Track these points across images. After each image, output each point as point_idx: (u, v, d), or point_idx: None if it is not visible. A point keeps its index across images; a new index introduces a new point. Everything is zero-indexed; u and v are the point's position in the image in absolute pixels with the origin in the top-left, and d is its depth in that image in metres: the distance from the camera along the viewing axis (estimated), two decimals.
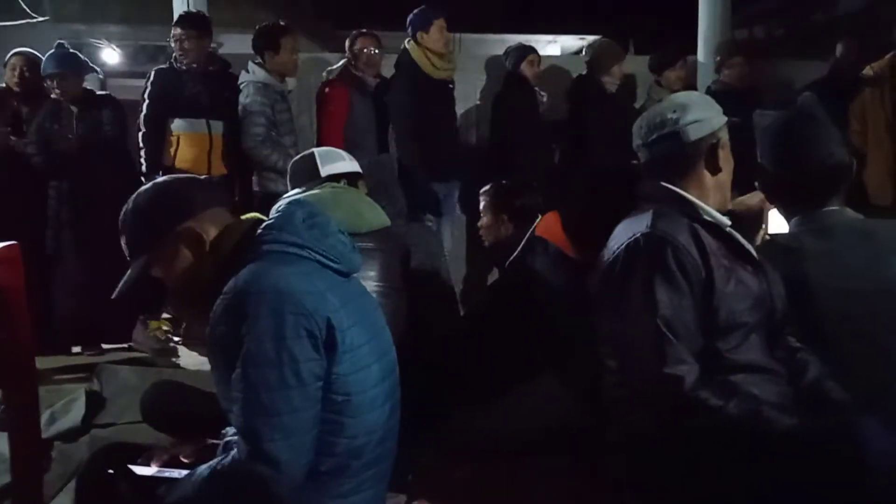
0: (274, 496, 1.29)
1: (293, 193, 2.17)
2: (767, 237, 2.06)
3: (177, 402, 1.97)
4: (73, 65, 3.66)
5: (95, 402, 2.74)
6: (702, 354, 1.52)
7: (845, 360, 1.65)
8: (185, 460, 1.57)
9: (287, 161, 2.90)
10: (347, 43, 3.92)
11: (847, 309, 1.66)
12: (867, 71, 3.70)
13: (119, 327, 3.61)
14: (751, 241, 1.72)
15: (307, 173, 2.44)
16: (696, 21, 4.55)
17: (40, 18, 4.86)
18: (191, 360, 3.20)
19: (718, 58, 4.19)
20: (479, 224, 2.80)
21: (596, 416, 1.71)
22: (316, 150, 2.58)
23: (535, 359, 2.14)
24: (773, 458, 1.41)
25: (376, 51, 3.86)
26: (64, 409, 2.72)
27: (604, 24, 6.36)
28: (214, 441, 1.54)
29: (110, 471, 1.52)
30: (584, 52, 4.43)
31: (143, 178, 3.43)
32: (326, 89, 3.85)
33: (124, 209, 1.48)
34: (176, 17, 3.95)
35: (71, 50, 3.73)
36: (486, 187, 2.78)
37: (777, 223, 2.01)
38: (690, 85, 4.19)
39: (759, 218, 2.11)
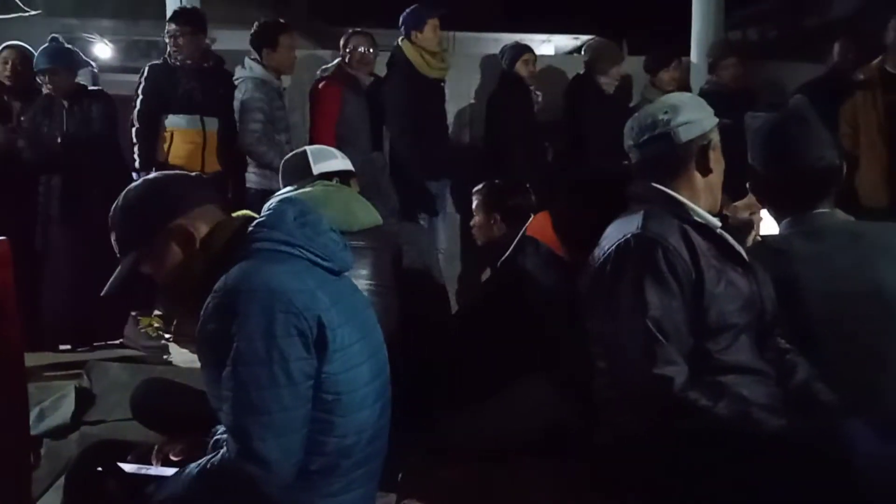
0: (263, 495, 1.29)
1: (285, 191, 2.16)
2: (759, 238, 2.07)
3: (167, 399, 1.96)
4: (66, 60, 3.64)
5: (85, 399, 2.72)
6: (691, 355, 1.53)
7: (834, 361, 1.66)
8: (175, 458, 1.57)
9: (282, 158, 2.90)
10: (342, 41, 3.92)
11: (836, 311, 1.67)
12: (858, 74, 3.72)
13: (110, 324, 3.60)
14: (741, 242, 1.73)
15: (299, 171, 2.44)
16: (689, 22, 4.56)
17: (33, 12, 4.83)
18: (182, 357, 3.18)
19: (710, 58, 4.20)
20: (471, 223, 2.80)
21: (586, 418, 1.72)
22: (308, 148, 2.58)
23: (525, 359, 2.14)
24: (761, 460, 1.41)
25: (371, 50, 3.86)
26: (53, 405, 2.71)
27: (598, 24, 6.37)
28: (205, 439, 1.54)
29: (99, 468, 1.51)
30: (582, 53, 4.43)
31: (138, 174, 3.42)
32: (319, 86, 3.85)
33: (114, 205, 1.47)
34: (169, 12, 3.93)
35: (65, 45, 3.71)
36: (479, 186, 2.78)
37: (769, 225, 2.02)
38: (684, 86, 4.20)
39: (749, 224, 2.13)
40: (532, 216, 2.64)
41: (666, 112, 1.65)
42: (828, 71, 4.01)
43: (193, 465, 1.38)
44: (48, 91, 3.62)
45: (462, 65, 4.47)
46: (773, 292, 1.67)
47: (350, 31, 3.93)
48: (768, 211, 1.93)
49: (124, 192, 1.48)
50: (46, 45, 3.63)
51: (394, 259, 2.27)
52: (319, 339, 1.31)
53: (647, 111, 1.69)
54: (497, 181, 2.79)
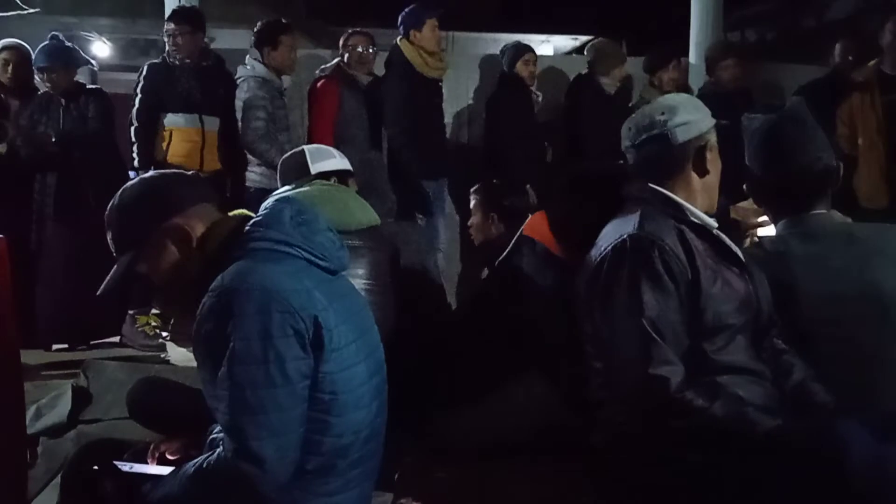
0: (259, 495, 1.29)
1: (283, 190, 2.16)
2: (756, 239, 2.07)
3: (163, 398, 1.96)
4: (64, 59, 3.64)
5: (82, 398, 2.72)
6: (688, 356, 1.53)
7: (830, 362, 1.66)
8: (171, 457, 1.57)
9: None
10: (341, 41, 3.92)
11: (832, 312, 1.67)
12: (855, 75, 3.72)
13: (108, 323, 3.60)
14: (738, 243, 1.73)
15: (297, 170, 2.44)
16: (688, 23, 4.57)
17: (31, 11, 4.83)
18: (179, 356, 3.18)
19: (708, 57, 4.19)
20: (468, 223, 2.80)
21: (582, 417, 1.72)
22: (306, 147, 2.58)
23: (522, 359, 2.14)
24: (757, 460, 1.42)
25: (370, 49, 3.86)
26: (50, 404, 2.71)
27: (597, 25, 6.38)
28: (201, 438, 1.54)
29: (95, 467, 1.51)
30: (585, 53, 4.43)
31: (136, 173, 3.42)
32: (318, 86, 3.85)
33: (110, 205, 1.47)
34: (168, 11, 3.93)
35: (65, 43, 3.70)
36: (476, 186, 2.78)
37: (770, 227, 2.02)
38: (683, 86, 4.20)
39: (760, 226, 2.13)
40: (529, 216, 2.64)
41: (663, 113, 1.65)
42: (828, 72, 4.01)
43: (190, 464, 1.38)
44: (46, 89, 3.62)
45: (460, 65, 4.47)
46: (769, 293, 1.67)
47: (349, 30, 3.93)
48: (765, 212, 1.93)
49: (120, 191, 1.47)
50: (46, 42, 3.63)
51: (391, 259, 2.27)
52: (316, 338, 1.31)
53: (644, 112, 1.69)
54: (494, 181, 2.79)
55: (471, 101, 4.61)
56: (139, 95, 3.64)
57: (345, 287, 1.50)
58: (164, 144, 3.61)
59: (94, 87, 3.87)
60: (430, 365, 2.18)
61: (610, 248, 1.58)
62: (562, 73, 4.57)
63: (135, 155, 3.60)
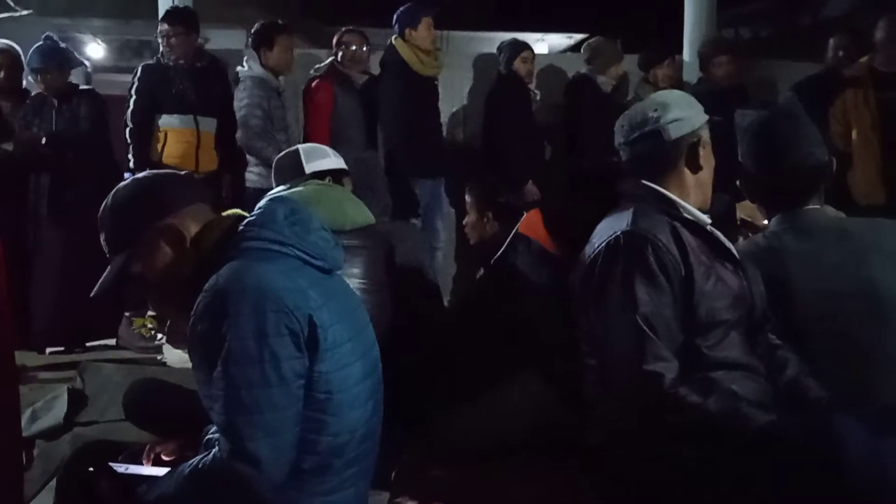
0: (255, 494, 1.29)
1: (277, 190, 2.16)
2: (749, 235, 2.07)
3: (160, 400, 1.96)
4: (58, 60, 3.63)
5: (78, 400, 2.72)
6: (682, 352, 1.53)
7: (824, 357, 1.66)
8: (167, 458, 1.57)
9: None
10: (334, 40, 3.92)
11: (826, 307, 1.67)
12: (848, 71, 3.72)
13: (104, 324, 3.59)
14: (732, 239, 1.73)
15: (291, 169, 2.44)
16: (682, 20, 4.58)
17: (24, 12, 4.82)
18: (176, 357, 3.17)
19: (701, 53, 4.20)
20: (464, 222, 2.80)
21: (578, 415, 1.72)
22: (301, 146, 2.58)
23: (518, 357, 2.14)
24: (752, 455, 1.42)
25: (363, 48, 3.86)
26: (46, 407, 2.70)
27: (592, 23, 6.38)
28: (197, 439, 1.54)
29: (91, 468, 1.51)
30: (582, 51, 4.44)
31: (131, 174, 3.41)
32: (312, 85, 3.86)
33: (104, 205, 1.46)
34: (162, 12, 3.93)
35: (59, 44, 3.69)
36: (471, 185, 2.78)
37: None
38: (678, 83, 4.21)
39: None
40: (524, 213, 2.65)
41: (656, 110, 1.65)
42: (823, 69, 4.02)
43: (185, 464, 1.37)
44: (40, 90, 3.61)
45: (455, 64, 4.47)
46: (762, 288, 1.67)
47: (342, 29, 3.93)
48: (759, 208, 1.94)
49: (113, 191, 1.47)
50: (40, 43, 3.62)
51: (386, 258, 2.27)
52: (311, 337, 1.31)
53: (636, 109, 1.70)
54: (489, 179, 2.79)
55: (465, 101, 4.61)
56: (133, 97, 3.64)
57: (339, 286, 1.50)
58: (159, 145, 3.62)
59: (86, 87, 3.86)
60: (426, 364, 2.17)
61: (603, 244, 1.58)
62: (559, 71, 4.58)
63: (130, 156, 3.60)
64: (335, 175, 2.47)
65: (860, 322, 1.67)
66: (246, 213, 1.47)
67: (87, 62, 4.36)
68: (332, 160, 2.52)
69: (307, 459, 1.34)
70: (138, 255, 1.43)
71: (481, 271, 2.95)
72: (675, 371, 1.49)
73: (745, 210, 2.23)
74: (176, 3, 4.19)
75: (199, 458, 1.36)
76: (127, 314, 3.58)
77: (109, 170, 3.55)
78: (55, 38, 3.71)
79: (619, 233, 1.57)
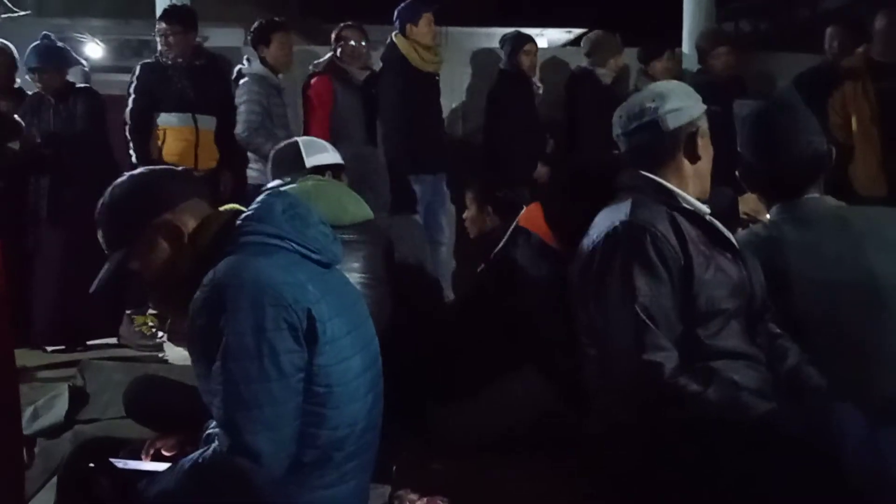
0: (255, 489, 1.28)
1: (275, 184, 2.15)
2: (749, 225, 2.07)
3: (160, 396, 1.96)
4: (56, 59, 3.64)
5: (79, 398, 2.72)
6: (682, 341, 1.53)
7: (823, 346, 1.66)
8: (167, 454, 1.57)
9: None
10: (333, 35, 3.92)
11: (825, 296, 1.67)
12: (845, 62, 3.70)
13: (105, 323, 3.59)
14: (734, 232, 1.73)
15: (290, 163, 2.43)
16: (682, 13, 4.57)
17: (22, 13, 4.82)
18: (177, 355, 3.18)
19: (700, 45, 4.19)
20: (463, 216, 2.80)
21: (578, 407, 1.72)
22: (299, 138, 2.58)
23: (518, 350, 2.14)
24: (752, 444, 1.42)
25: (362, 43, 3.86)
26: (47, 405, 2.70)
27: (591, 17, 6.38)
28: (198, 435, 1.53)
29: (91, 465, 1.51)
30: (581, 45, 4.44)
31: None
32: (311, 81, 3.86)
33: (100, 202, 1.46)
34: (160, 11, 3.92)
35: (57, 43, 3.70)
36: (471, 179, 2.78)
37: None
38: (678, 76, 4.20)
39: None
40: (524, 207, 2.64)
41: (653, 100, 1.65)
42: (821, 61, 4.00)
43: (185, 459, 1.37)
44: (38, 89, 3.61)
45: (455, 59, 4.46)
46: (762, 278, 1.67)
47: (341, 24, 3.93)
48: (758, 198, 1.93)
49: (110, 188, 1.47)
50: (38, 42, 3.62)
51: (385, 252, 2.27)
52: (310, 331, 1.31)
53: (634, 100, 1.70)
54: (489, 173, 2.79)
55: (465, 97, 4.60)
56: (132, 96, 3.65)
57: (339, 280, 1.50)
58: (159, 143, 3.63)
59: (83, 86, 3.86)
60: (427, 358, 2.17)
61: (602, 235, 1.58)
62: (559, 64, 4.57)
63: (131, 154, 3.61)
64: (334, 170, 2.47)
65: (859, 311, 1.67)
66: (243, 208, 1.47)
67: (84, 62, 4.37)
68: (331, 154, 2.51)
69: (307, 453, 1.34)
70: (136, 251, 1.43)
71: (481, 266, 2.94)
72: (674, 361, 1.49)
73: (749, 204, 2.22)
74: (174, 1, 4.19)
75: (199, 452, 1.36)
76: (128, 312, 3.59)
77: (108, 169, 3.55)
78: (52, 37, 3.72)
79: (617, 223, 1.57)
